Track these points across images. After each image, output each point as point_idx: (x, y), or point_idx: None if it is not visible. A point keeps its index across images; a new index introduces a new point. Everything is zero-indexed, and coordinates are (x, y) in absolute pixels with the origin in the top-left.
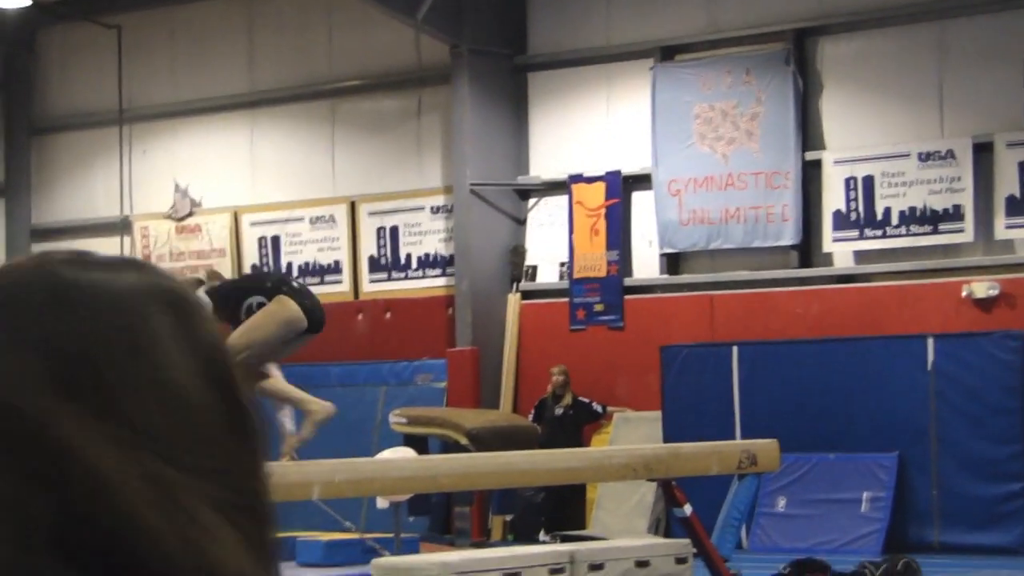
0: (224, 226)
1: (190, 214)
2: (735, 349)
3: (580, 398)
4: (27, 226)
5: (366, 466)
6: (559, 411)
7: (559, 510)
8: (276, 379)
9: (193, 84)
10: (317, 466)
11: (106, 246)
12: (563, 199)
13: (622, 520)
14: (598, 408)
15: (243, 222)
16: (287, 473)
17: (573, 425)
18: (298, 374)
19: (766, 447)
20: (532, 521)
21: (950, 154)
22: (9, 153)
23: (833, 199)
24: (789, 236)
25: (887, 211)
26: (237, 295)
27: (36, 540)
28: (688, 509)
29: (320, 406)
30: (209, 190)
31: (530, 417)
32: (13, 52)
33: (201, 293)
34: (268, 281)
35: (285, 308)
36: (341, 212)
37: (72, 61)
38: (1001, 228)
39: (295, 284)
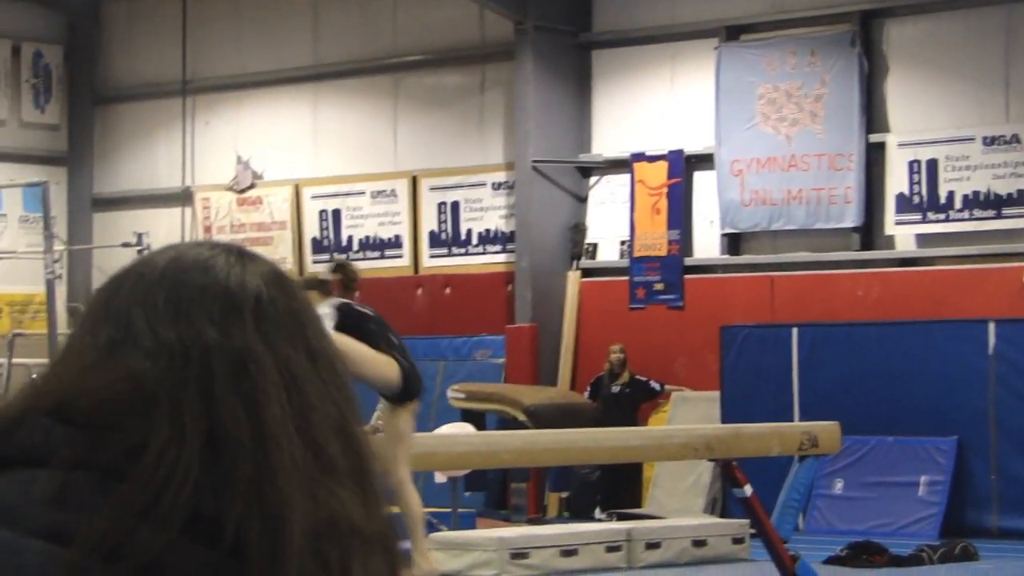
0: (285, 199)
1: (251, 186)
2: (795, 330)
3: (638, 376)
4: (89, 195)
5: (429, 440)
6: (616, 388)
7: (615, 488)
8: None
9: (257, 56)
10: (377, 440)
11: (167, 217)
12: (625, 177)
13: (678, 499)
14: (656, 386)
15: (304, 195)
16: None
17: (630, 403)
18: None
19: (827, 429)
20: (588, 499)
21: (1015, 139)
22: (72, 122)
23: (896, 182)
24: (851, 218)
25: (950, 195)
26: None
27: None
28: (748, 490)
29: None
30: (271, 162)
31: (586, 394)
32: (78, 21)
33: (326, 308)
34: (372, 323)
35: (392, 370)
36: (402, 187)
37: (137, 31)
38: None
39: (395, 340)
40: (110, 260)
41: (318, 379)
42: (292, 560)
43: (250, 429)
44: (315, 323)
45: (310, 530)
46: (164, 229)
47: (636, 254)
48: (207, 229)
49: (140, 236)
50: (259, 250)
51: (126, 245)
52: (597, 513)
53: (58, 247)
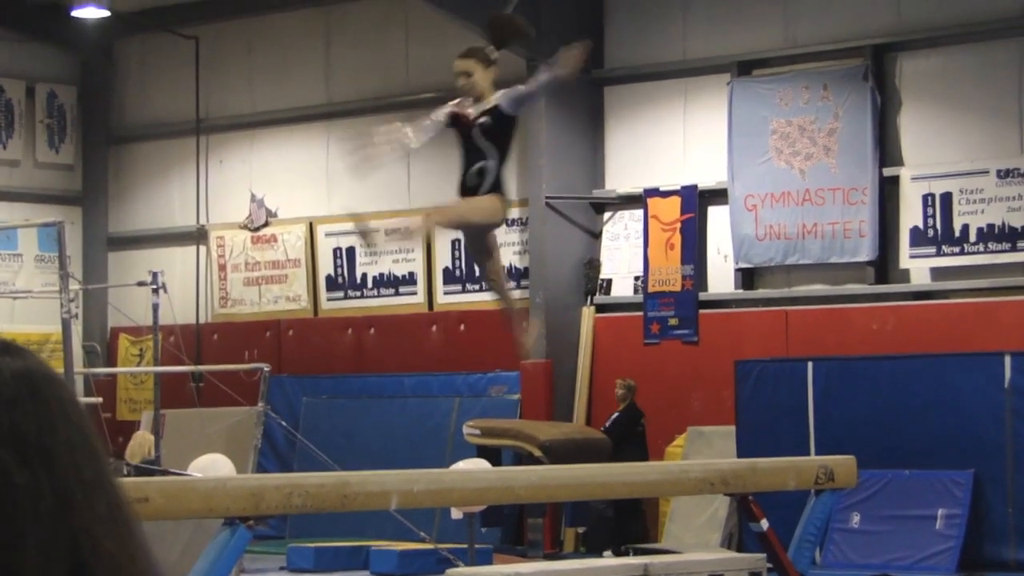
0: (299, 236)
1: (266, 224)
2: (810, 365)
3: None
4: (104, 235)
5: (445, 476)
6: (607, 422)
7: (631, 523)
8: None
9: (270, 95)
10: (395, 476)
11: (182, 255)
12: (638, 213)
13: (695, 534)
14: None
15: (318, 232)
16: (365, 483)
17: (619, 432)
18: (372, 384)
19: (844, 463)
20: (604, 534)
21: None
22: (87, 162)
23: (910, 215)
24: (866, 252)
25: (965, 228)
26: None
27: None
28: (765, 524)
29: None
30: (285, 201)
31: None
32: (92, 62)
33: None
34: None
35: (495, 210)
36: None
37: (150, 71)
38: None
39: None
40: (126, 299)
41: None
42: None
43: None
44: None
45: None
46: (179, 268)
47: (650, 289)
48: (222, 267)
49: (155, 275)
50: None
51: (141, 284)
52: (611, 549)
53: (73, 286)
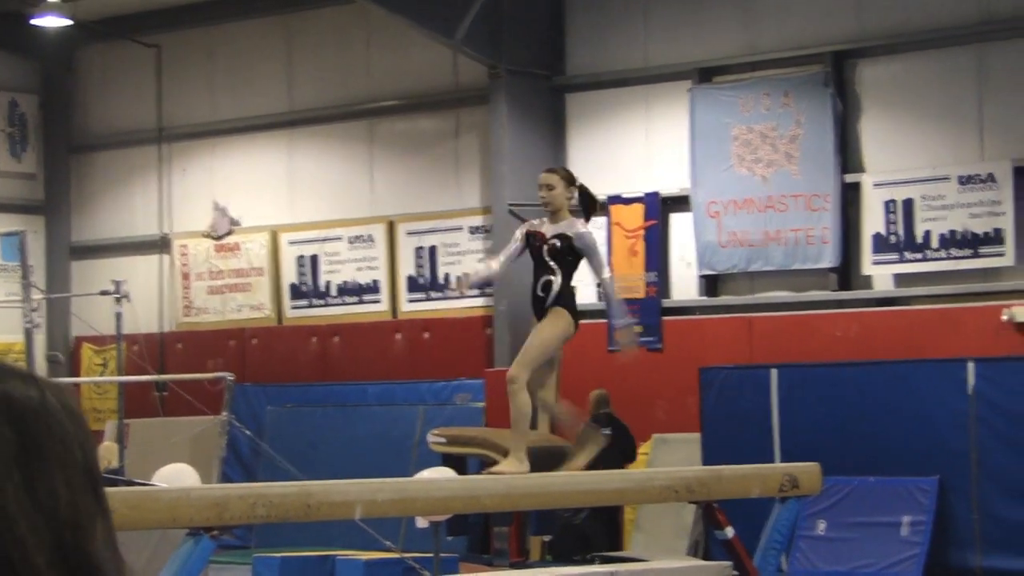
0: (263, 245)
1: (229, 232)
2: (774, 371)
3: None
4: (67, 244)
5: (410, 486)
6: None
7: (597, 531)
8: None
9: (232, 103)
10: (359, 485)
11: (144, 264)
12: (601, 220)
13: (661, 542)
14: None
15: (282, 241)
16: (329, 493)
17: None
18: (337, 393)
19: (808, 470)
20: (570, 542)
21: (990, 177)
22: (49, 171)
23: (873, 222)
24: (829, 259)
25: (927, 234)
26: None
27: None
28: (730, 532)
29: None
30: (248, 209)
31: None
32: (53, 70)
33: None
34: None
35: (565, 328)
36: (379, 231)
37: (111, 80)
38: None
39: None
40: (89, 308)
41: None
42: None
43: None
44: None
45: None
46: (142, 276)
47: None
48: (185, 276)
49: (118, 284)
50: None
51: (104, 293)
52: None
53: (36, 296)
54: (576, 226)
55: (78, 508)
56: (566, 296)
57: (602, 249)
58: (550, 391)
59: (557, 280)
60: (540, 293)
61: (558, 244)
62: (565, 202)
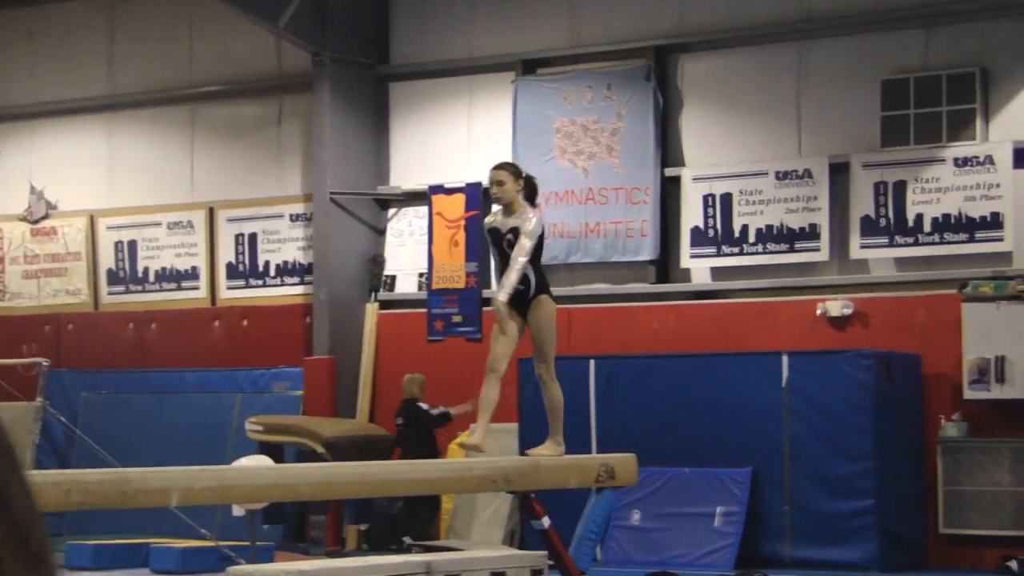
0: (80, 229)
1: (45, 216)
2: (592, 362)
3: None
4: None
5: (227, 473)
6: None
7: (413, 520)
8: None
9: (51, 85)
10: (177, 473)
11: None
12: (423, 210)
13: (477, 531)
14: (433, 412)
15: (99, 226)
16: (146, 480)
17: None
18: (153, 380)
19: (624, 461)
20: (387, 531)
21: (807, 173)
22: None
23: (691, 215)
24: (647, 251)
25: (744, 228)
26: None
27: None
28: (547, 522)
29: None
30: (66, 193)
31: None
32: None
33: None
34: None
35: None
36: (199, 218)
37: None
38: (856, 248)
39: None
40: None
41: None
42: None
43: None
44: None
45: None
46: None
47: (434, 286)
48: (0, 260)
49: None
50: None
51: None
52: (408, 541)
53: None
54: (526, 214)
55: None
56: (543, 283)
57: (423, 238)
58: (504, 363)
59: (530, 270)
60: (519, 286)
61: (513, 238)
62: (516, 195)
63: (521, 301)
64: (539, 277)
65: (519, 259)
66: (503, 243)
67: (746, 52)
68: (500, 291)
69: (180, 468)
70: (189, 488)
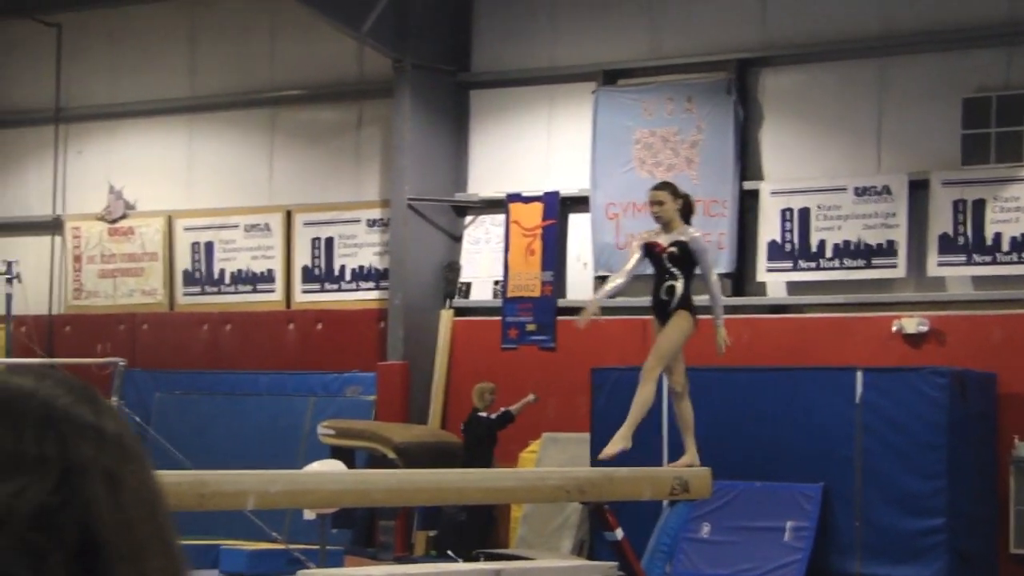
0: (157, 230)
1: (123, 216)
2: (664, 374)
3: (478, 414)
4: None
5: (303, 478)
6: (462, 426)
7: (483, 528)
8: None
9: (132, 86)
10: (252, 476)
11: (36, 245)
12: (500, 217)
13: (546, 540)
14: (492, 417)
15: (177, 227)
16: (222, 483)
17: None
18: (227, 381)
19: (698, 474)
20: (455, 538)
21: (886, 190)
22: None
23: (769, 229)
24: (724, 264)
25: (821, 243)
26: None
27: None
28: (620, 533)
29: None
30: (144, 193)
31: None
32: None
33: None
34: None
35: (686, 329)
36: (276, 221)
37: (10, 57)
38: (933, 265)
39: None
40: None
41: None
42: None
43: (128, 541)
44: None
45: None
46: (33, 258)
47: (509, 294)
48: (77, 259)
49: (10, 264)
50: (129, 281)
51: None
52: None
53: None
54: (689, 231)
55: None
56: (688, 298)
57: (499, 246)
58: (679, 377)
59: (680, 284)
60: (664, 297)
61: (676, 251)
62: (675, 214)
63: (662, 311)
64: (685, 291)
65: (713, 273)
66: (663, 256)
67: (827, 67)
68: (714, 309)
69: (255, 472)
70: (264, 492)
